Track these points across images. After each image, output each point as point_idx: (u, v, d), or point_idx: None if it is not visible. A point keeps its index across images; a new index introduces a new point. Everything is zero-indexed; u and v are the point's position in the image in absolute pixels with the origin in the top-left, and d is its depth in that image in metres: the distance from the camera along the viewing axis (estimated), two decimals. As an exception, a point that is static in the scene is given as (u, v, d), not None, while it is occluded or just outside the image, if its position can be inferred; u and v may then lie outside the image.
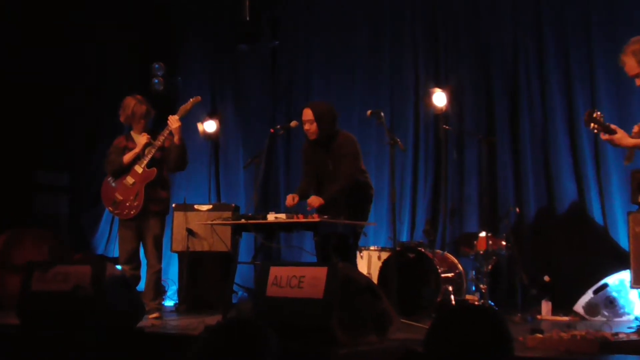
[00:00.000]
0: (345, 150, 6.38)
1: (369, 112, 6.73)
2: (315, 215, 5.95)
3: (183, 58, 10.79)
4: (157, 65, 9.91)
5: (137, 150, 6.80)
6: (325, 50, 10.20)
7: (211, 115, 10.18)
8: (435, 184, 9.16)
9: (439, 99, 8.48)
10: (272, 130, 7.02)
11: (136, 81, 9.98)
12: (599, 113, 5.27)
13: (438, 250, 7.77)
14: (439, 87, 8.65)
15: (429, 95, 8.65)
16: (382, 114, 6.70)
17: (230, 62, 10.65)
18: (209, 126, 9.99)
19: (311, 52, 10.32)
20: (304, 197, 6.49)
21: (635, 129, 5.31)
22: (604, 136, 5.28)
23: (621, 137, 5.25)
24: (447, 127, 8.40)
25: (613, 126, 5.29)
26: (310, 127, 6.42)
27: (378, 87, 9.73)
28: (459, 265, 7.60)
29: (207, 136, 10.06)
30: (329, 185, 6.43)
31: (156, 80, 9.88)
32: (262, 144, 7.55)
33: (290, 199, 6.38)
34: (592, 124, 5.24)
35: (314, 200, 6.25)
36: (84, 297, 5.30)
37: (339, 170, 6.38)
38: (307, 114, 6.44)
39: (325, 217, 5.93)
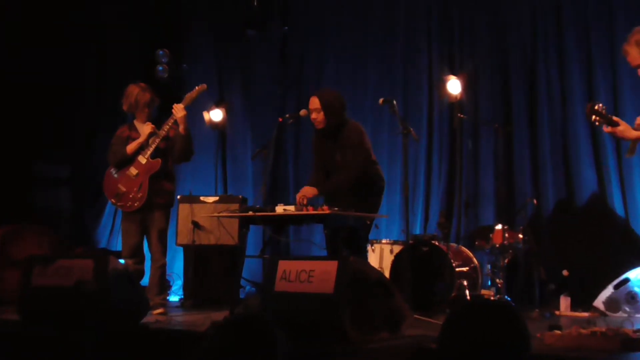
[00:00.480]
0: (352, 140, 6.36)
1: (381, 100, 6.71)
2: (325, 207, 5.93)
3: (189, 44, 10.79)
4: (161, 52, 9.90)
5: (140, 140, 6.80)
6: (337, 36, 10.18)
7: (218, 104, 10.18)
8: (449, 174, 9.14)
9: (454, 86, 8.44)
10: (280, 120, 7.00)
11: (140, 69, 9.98)
12: (600, 105, 5.24)
13: (452, 244, 7.75)
14: (454, 74, 8.60)
15: (443, 83, 8.61)
16: (395, 102, 6.67)
17: (238, 49, 10.64)
18: (216, 115, 9.99)
19: (322, 39, 10.31)
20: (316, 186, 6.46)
21: (638, 120, 5.28)
22: (606, 129, 5.25)
23: (624, 129, 5.22)
24: (462, 115, 8.37)
25: (615, 118, 5.26)
26: (317, 116, 6.40)
27: (391, 74, 9.71)
28: (474, 259, 7.59)
29: (214, 125, 10.06)
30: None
31: (160, 68, 9.88)
32: (271, 133, 7.54)
33: (301, 199, 6.33)
34: (593, 117, 5.21)
35: (307, 191, 6.23)
36: (86, 292, 5.30)
37: (345, 161, 6.37)
38: (314, 102, 6.42)
39: (336, 209, 5.92)
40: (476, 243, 7.75)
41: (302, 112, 6.74)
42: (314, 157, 6.74)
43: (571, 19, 8.64)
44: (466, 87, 8.67)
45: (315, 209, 5.94)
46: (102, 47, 10.43)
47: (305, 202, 6.20)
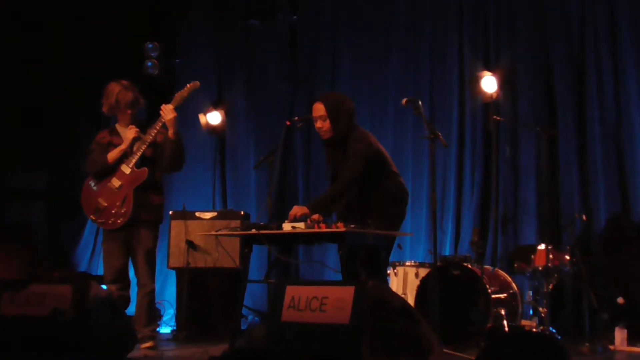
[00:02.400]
0: (351, 150, 6.34)
1: (404, 100, 6.68)
2: (340, 224, 5.90)
3: (183, 36, 10.81)
4: (150, 45, 9.92)
5: (123, 146, 6.78)
6: (354, 26, 10.18)
7: (216, 105, 10.19)
8: (484, 186, 9.11)
9: (489, 83, 8.42)
10: (288, 123, 6.98)
11: (125, 64, 10.00)
12: None
13: (488, 267, 7.72)
14: (488, 70, 8.59)
15: (476, 80, 8.60)
16: (420, 102, 6.65)
17: (240, 42, 10.66)
18: (214, 118, 10.00)
19: (337, 30, 10.31)
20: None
21: None
22: None
23: None
24: (498, 117, 8.34)
25: None
26: (323, 125, 6.37)
27: (415, 70, 9.70)
28: (513, 285, 7.55)
29: (211, 130, 10.07)
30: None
31: (150, 63, 9.89)
32: (278, 138, 7.53)
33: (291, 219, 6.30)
34: None
35: (297, 210, 6.21)
36: (63, 323, 5.29)
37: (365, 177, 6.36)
38: (319, 109, 6.38)
39: (352, 226, 5.89)
40: (515, 266, 7.72)
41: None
42: (327, 170, 6.73)
43: (625, 5, 8.61)
44: (503, 85, 8.65)
45: (328, 226, 5.92)
46: (81, 40, 10.44)
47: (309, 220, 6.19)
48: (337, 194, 6.28)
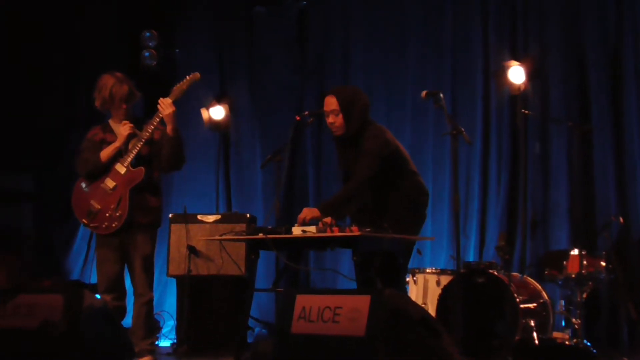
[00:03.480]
0: (366, 147, 6.33)
1: (424, 93, 6.67)
2: (354, 227, 5.90)
3: (182, 24, 10.83)
4: (148, 34, 9.93)
5: (117, 144, 6.78)
6: (368, 13, 10.18)
7: (219, 99, 10.19)
8: (511, 186, 9.10)
9: (516, 74, 8.40)
10: (298, 118, 6.99)
11: (121, 55, 10.01)
12: None
13: (516, 274, 7.70)
14: (516, 60, 8.57)
15: (502, 71, 8.58)
16: (442, 95, 6.64)
17: (245, 30, 10.67)
18: (216, 113, 10.00)
19: (349, 16, 10.31)
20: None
21: None
22: None
23: None
24: (526, 111, 8.33)
25: None
26: (336, 120, 6.37)
27: (436, 60, 9.69)
28: (544, 293, 7.53)
29: (214, 126, 10.07)
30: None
31: (147, 53, 9.90)
32: (286, 135, 7.54)
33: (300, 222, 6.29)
34: None
35: (307, 213, 6.20)
36: (54, 336, 5.29)
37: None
38: (331, 102, 6.39)
39: (367, 230, 5.89)
40: (546, 273, 7.70)
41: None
42: (339, 170, 6.72)
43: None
44: (532, 76, 8.63)
45: (341, 230, 5.91)
46: (73, 29, 10.46)
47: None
48: (350, 194, 6.28)
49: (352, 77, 10.06)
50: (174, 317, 8.74)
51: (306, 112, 7.08)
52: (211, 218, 8.42)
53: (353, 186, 6.28)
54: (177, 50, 10.40)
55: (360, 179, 6.25)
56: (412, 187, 6.50)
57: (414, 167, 6.59)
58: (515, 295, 7.11)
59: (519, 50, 9.14)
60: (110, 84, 6.82)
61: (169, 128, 6.70)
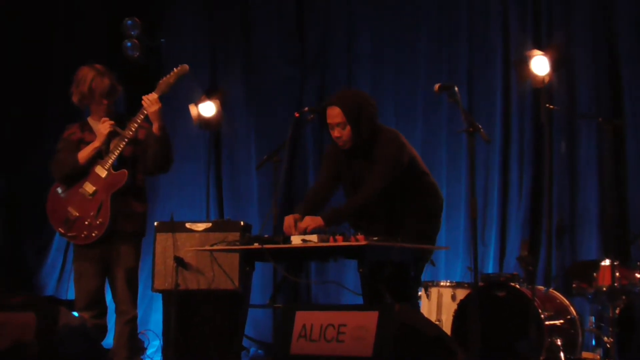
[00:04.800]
0: (380, 155, 6.32)
1: (437, 86, 6.66)
2: (360, 236, 5.90)
3: (169, 11, 10.83)
4: (130, 22, 9.91)
5: (96, 143, 6.78)
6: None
7: (210, 94, 10.18)
8: (534, 189, 9.11)
9: (540, 65, 8.40)
10: (297, 115, 6.98)
11: (101, 45, 10.01)
12: None
13: (540, 287, 7.71)
14: (540, 49, 8.57)
15: (524, 61, 8.57)
16: (457, 88, 6.63)
17: (238, 17, 10.67)
18: (207, 109, 9.99)
19: (354, 2, 10.32)
20: (313, 211, 6.42)
21: None
22: None
23: None
24: (551, 106, 8.33)
25: None
26: (342, 134, 6.34)
27: (451, 49, 9.71)
28: (572, 309, 7.53)
29: (204, 123, 10.06)
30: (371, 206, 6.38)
31: (129, 43, 9.87)
32: (284, 133, 7.53)
33: (292, 222, 6.27)
34: None
35: (309, 222, 6.19)
36: (27, 358, 5.29)
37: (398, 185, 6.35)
38: (335, 114, 6.34)
39: (375, 238, 5.88)
40: (574, 286, 7.71)
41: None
42: (325, 169, 6.67)
43: None
44: (557, 67, 8.62)
45: (346, 239, 5.91)
46: (47, 17, 10.46)
47: (293, 232, 6.15)
48: (361, 204, 6.27)
49: (356, 70, 10.09)
50: (160, 336, 8.72)
51: (306, 108, 7.06)
52: (201, 226, 8.41)
53: (366, 196, 6.26)
54: (162, 40, 10.38)
55: (374, 189, 6.24)
56: (426, 191, 6.50)
57: (426, 169, 6.58)
58: (540, 310, 7.11)
59: (543, 38, 9.16)
60: (89, 77, 6.81)
61: (155, 126, 6.70)
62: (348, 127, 6.28)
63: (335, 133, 6.33)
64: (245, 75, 10.69)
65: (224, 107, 10.18)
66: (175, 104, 9.36)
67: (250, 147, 10.49)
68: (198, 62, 10.07)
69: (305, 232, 6.02)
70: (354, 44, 10.25)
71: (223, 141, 10.59)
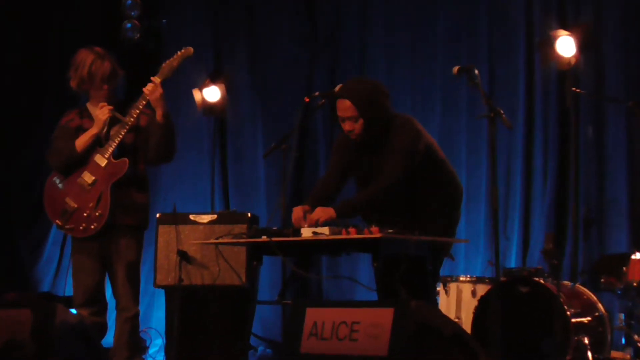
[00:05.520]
0: (395, 144, 6.30)
1: (455, 68, 6.66)
2: (374, 228, 5.90)
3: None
4: (129, 1, 9.94)
5: (94, 130, 6.78)
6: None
7: (213, 78, 10.19)
8: (559, 178, 9.10)
9: (566, 46, 8.39)
10: (307, 100, 6.98)
11: (98, 27, 10.01)
12: None
13: (566, 282, 7.71)
14: (565, 29, 8.56)
15: (549, 42, 8.57)
16: (477, 71, 6.63)
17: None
18: (211, 94, 10.01)
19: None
20: (323, 203, 6.42)
21: None
22: None
23: None
24: (577, 89, 8.32)
25: None
26: (355, 127, 6.32)
27: (470, 30, 9.67)
28: (600, 305, 7.53)
29: (208, 109, 10.08)
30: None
31: (129, 25, 9.91)
32: (293, 120, 7.54)
33: (301, 214, 6.28)
34: None
35: (320, 213, 6.18)
36: (21, 357, 5.31)
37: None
38: (346, 107, 6.30)
39: (390, 231, 5.89)
40: (602, 280, 7.70)
41: (338, 88, 6.70)
42: (335, 160, 6.66)
43: None
44: (584, 47, 8.61)
45: (359, 231, 5.91)
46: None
47: (302, 224, 6.15)
48: (376, 196, 6.26)
49: (370, 51, 10.07)
50: (163, 334, 8.75)
51: (317, 93, 7.08)
52: (206, 218, 8.43)
53: (380, 187, 6.25)
54: (164, 20, 10.40)
55: (390, 180, 6.23)
56: (444, 180, 6.50)
57: (444, 156, 6.58)
58: (566, 307, 7.11)
59: (569, 16, 9.13)
60: (89, 60, 6.81)
61: (158, 113, 6.69)
62: (360, 121, 6.24)
63: (347, 126, 6.30)
64: (251, 57, 10.68)
65: (229, 92, 10.19)
66: (178, 89, 9.37)
67: (257, 134, 10.49)
68: (201, 44, 10.04)
69: (316, 225, 6.01)
70: (367, 24, 10.24)
71: (228, 128, 10.59)
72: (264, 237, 6.16)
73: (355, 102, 6.24)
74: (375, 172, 6.36)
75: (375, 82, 6.61)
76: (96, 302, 6.80)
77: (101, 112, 6.72)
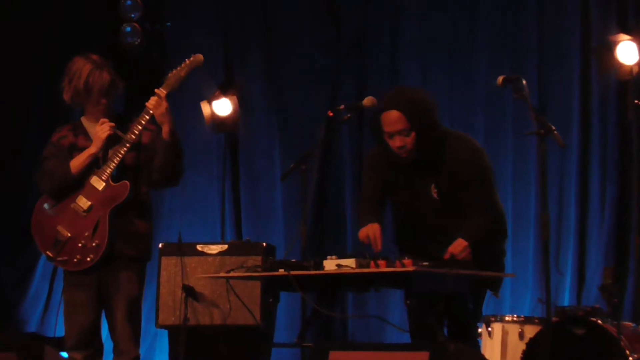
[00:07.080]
0: (470, 170, 6.32)
1: (500, 79, 6.69)
2: (407, 260, 5.90)
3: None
4: (129, 2, 10.00)
5: (92, 149, 6.79)
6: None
7: (224, 90, 10.24)
8: (619, 204, 9.09)
9: (626, 53, 8.40)
10: (330, 114, 7.00)
11: (95, 31, 10.07)
12: None
13: (628, 323, 7.70)
14: (627, 33, 8.57)
15: (608, 48, 8.58)
16: (524, 81, 6.65)
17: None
18: (222, 108, 10.06)
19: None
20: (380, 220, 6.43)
21: None
22: None
23: None
24: (640, 102, 8.35)
25: None
26: (406, 142, 6.31)
27: (516, 34, 9.70)
28: (666, 349, 7.53)
29: (219, 125, 10.13)
30: (435, 224, 6.38)
31: (128, 29, 9.97)
32: (315, 137, 7.57)
33: (372, 234, 6.29)
34: None
35: (376, 229, 6.21)
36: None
37: (467, 203, 6.34)
38: (395, 120, 6.29)
39: (425, 264, 5.90)
40: (669, 321, 7.70)
41: (367, 100, 6.72)
42: (372, 182, 6.67)
43: None
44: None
45: (390, 264, 5.93)
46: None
47: (379, 246, 6.17)
48: (489, 227, 6.34)
49: (402, 58, 10.10)
50: (167, 381, 8.80)
51: (342, 106, 7.07)
52: (215, 249, 8.46)
53: (490, 216, 6.32)
54: (168, 24, 10.46)
55: (491, 204, 6.31)
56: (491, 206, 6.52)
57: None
58: (628, 352, 7.11)
59: (630, 19, 9.14)
60: (86, 71, 6.78)
61: (165, 130, 6.66)
62: (413, 134, 6.23)
63: (397, 142, 6.27)
64: (266, 67, 10.72)
65: (241, 105, 10.24)
66: (183, 102, 9.42)
67: (274, 152, 10.52)
68: (210, 51, 10.08)
69: (452, 260, 6.06)
70: (398, 27, 10.27)
71: (240, 146, 10.62)
72: (281, 271, 6.19)
73: (406, 113, 6.24)
74: (425, 195, 6.36)
75: (422, 89, 6.64)
76: (91, 344, 6.79)
77: (101, 130, 6.66)
